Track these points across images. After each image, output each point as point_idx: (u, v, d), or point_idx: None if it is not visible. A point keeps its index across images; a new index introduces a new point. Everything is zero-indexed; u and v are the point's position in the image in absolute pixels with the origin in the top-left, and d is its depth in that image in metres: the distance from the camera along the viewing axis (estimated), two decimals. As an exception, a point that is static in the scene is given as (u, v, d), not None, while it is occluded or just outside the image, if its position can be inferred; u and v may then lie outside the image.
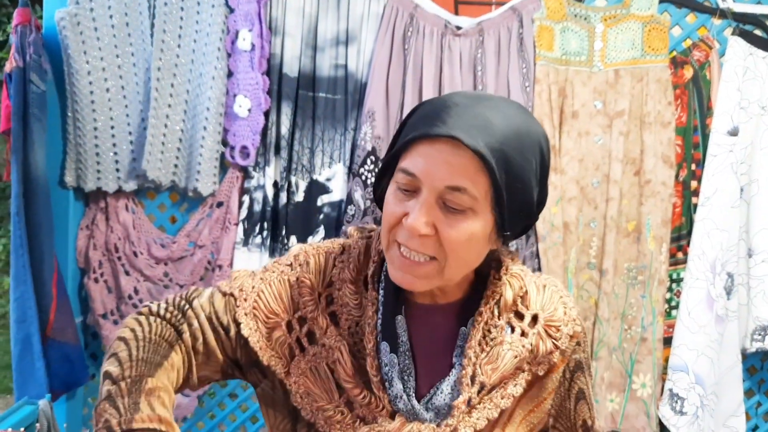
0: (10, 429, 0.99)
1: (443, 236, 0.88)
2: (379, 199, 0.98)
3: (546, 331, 1.00)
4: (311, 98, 2.15)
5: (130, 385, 0.88)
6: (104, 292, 2.16)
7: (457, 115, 0.86)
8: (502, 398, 0.98)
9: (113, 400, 0.87)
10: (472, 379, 0.96)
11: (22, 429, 0.99)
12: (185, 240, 2.18)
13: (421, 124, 0.88)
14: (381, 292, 0.98)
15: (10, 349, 2.05)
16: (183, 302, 1.01)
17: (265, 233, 2.15)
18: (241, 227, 2.14)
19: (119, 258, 2.14)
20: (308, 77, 2.16)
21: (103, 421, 0.85)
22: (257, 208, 2.14)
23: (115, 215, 2.15)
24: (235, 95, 2.13)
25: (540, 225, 2.16)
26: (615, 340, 2.24)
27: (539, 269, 2.16)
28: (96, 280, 2.15)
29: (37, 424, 1.57)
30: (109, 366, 0.92)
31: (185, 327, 0.98)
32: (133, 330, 0.96)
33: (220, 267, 2.15)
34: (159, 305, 1.01)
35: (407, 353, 0.97)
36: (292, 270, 1.02)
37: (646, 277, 2.23)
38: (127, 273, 2.14)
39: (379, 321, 0.97)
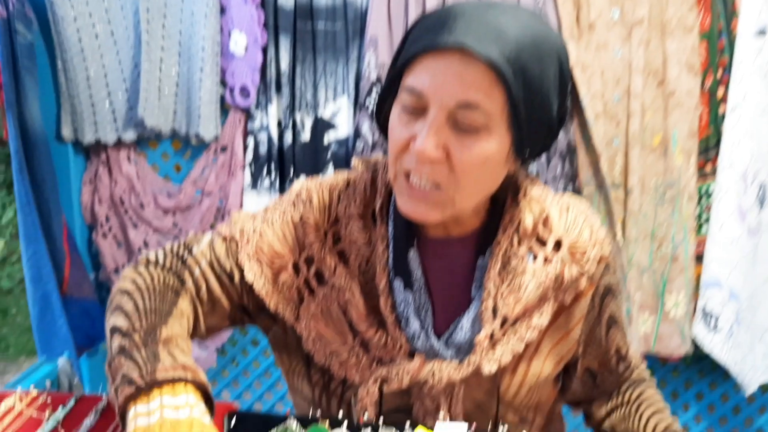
0: (19, 387, 0.95)
1: (455, 160, 0.79)
2: (383, 126, 0.89)
3: (571, 256, 0.92)
4: (310, 30, 2.04)
5: (144, 336, 0.81)
6: (114, 247, 2.12)
7: (466, 24, 0.77)
8: (527, 330, 0.91)
9: (129, 353, 0.79)
10: (494, 312, 0.89)
11: (31, 386, 0.95)
12: (192, 188, 2.11)
13: (425, 36, 0.79)
14: (391, 226, 0.91)
15: (30, 310, 2.02)
16: (182, 250, 0.96)
17: (273, 175, 2.08)
18: (248, 171, 2.07)
19: (126, 211, 2.09)
20: (305, 7, 2.04)
21: (121, 376, 0.77)
22: (263, 149, 2.06)
23: (117, 167, 2.08)
24: (230, 32, 2.02)
25: (597, 142, 2.06)
26: (645, 260, 2.16)
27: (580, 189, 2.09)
28: (104, 236, 2.11)
29: (47, 380, 1.54)
30: (116, 320, 0.85)
31: (187, 275, 0.93)
32: (134, 281, 0.91)
33: (229, 213, 2.09)
34: (157, 254, 0.95)
35: (422, 289, 0.90)
36: (294, 208, 0.95)
37: (674, 193, 2.13)
38: (135, 226, 2.09)
39: (391, 257, 0.90)
